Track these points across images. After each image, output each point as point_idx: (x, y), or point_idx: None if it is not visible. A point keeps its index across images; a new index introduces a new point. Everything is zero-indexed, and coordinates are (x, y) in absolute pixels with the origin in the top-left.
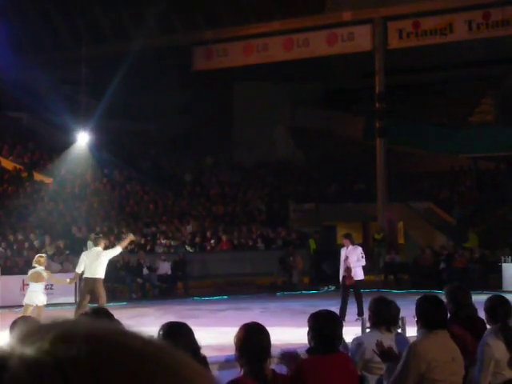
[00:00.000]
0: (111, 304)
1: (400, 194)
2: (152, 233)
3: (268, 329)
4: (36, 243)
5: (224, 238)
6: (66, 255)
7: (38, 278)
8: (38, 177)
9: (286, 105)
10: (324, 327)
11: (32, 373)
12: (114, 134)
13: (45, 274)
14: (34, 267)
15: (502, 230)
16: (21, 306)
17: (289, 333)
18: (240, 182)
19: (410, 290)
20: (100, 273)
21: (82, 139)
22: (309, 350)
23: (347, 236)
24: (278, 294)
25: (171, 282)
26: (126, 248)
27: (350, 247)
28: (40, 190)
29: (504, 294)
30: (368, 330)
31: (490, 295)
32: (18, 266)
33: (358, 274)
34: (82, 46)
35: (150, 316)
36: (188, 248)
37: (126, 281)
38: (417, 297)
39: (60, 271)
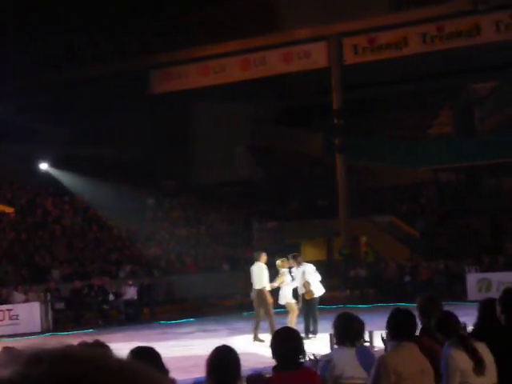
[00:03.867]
0: (77, 332)
1: (362, 209)
2: (116, 258)
3: (236, 349)
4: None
5: (188, 260)
6: (30, 284)
7: (280, 280)
8: None
9: (246, 124)
10: (282, 344)
11: None
12: (74, 160)
13: (284, 276)
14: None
15: (465, 241)
16: None
17: (258, 352)
18: (202, 203)
19: (375, 304)
20: (263, 284)
21: (42, 167)
22: (273, 368)
23: (294, 256)
24: (245, 314)
25: (137, 307)
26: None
27: (302, 265)
28: (1, 220)
29: (468, 304)
30: (335, 347)
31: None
32: None
33: (318, 290)
34: (39, 74)
35: (118, 342)
36: (153, 272)
37: (91, 307)
38: (382, 311)
39: (24, 301)
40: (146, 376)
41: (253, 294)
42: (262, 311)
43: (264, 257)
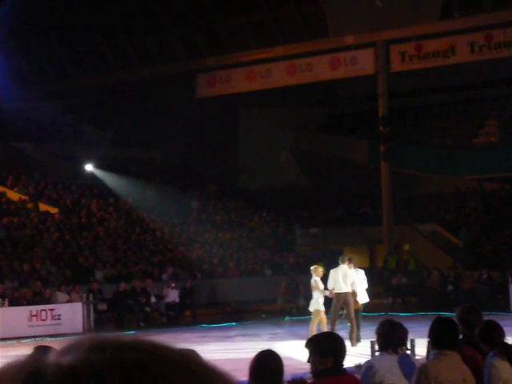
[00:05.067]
0: (119, 334)
1: (406, 217)
2: (159, 260)
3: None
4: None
5: (231, 264)
6: (73, 285)
7: (315, 286)
8: (43, 207)
9: (291, 130)
10: (325, 349)
11: (68, 377)
12: (119, 162)
13: (318, 283)
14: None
15: (508, 251)
16: (28, 337)
17: (298, 358)
18: (246, 207)
19: (417, 312)
20: (349, 287)
21: (87, 168)
22: (315, 374)
23: (350, 260)
24: (286, 319)
25: (179, 310)
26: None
27: (353, 270)
28: (46, 221)
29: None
30: (377, 353)
31: (484, 320)
32: (26, 298)
33: (362, 298)
34: (85, 76)
35: None
36: (196, 275)
37: (133, 309)
38: (424, 319)
39: (67, 301)
40: (206, 368)
41: (338, 298)
42: (344, 313)
43: (348, 260)
